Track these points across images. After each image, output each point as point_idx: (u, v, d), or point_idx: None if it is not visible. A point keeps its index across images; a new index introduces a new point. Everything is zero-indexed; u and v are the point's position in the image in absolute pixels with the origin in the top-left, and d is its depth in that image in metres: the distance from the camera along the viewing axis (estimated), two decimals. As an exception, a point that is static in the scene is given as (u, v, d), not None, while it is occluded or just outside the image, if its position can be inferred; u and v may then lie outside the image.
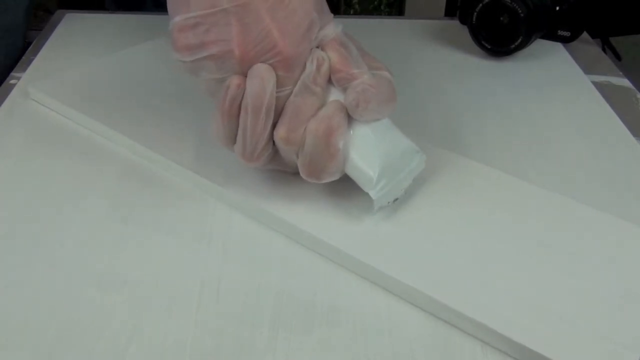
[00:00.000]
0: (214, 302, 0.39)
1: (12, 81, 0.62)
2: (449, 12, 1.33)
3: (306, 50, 0.40)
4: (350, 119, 0.42)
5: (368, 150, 0.42)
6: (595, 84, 0.64)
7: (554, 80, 0.65)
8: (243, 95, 0.40)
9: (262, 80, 0.39)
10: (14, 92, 0.60)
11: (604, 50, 0.94)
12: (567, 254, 0.41)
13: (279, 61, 0.39)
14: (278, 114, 0.41)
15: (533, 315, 0.37)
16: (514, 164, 0.51)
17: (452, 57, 0.70)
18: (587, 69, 0.67)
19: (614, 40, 1.15)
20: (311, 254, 0.42)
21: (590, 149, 0.54)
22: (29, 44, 0.70)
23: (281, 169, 0.45)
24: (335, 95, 0.42)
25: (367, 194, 0.44)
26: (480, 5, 0.66)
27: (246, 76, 0.40)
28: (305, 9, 0.40)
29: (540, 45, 0.70)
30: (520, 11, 0.64)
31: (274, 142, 0.42)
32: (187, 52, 0.40)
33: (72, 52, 0.67)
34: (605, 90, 0.63)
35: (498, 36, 0.66)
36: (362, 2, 1.92)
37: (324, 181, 0.42)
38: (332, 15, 0.42)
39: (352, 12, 1.64)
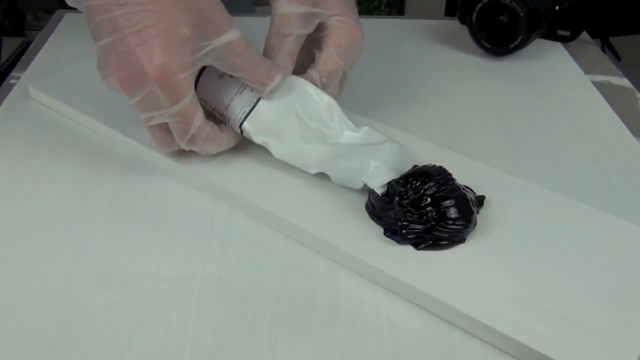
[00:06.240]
0: (214, 302, 0.39)
1: (12, 81, 0.62)
2: (449, 12, 1.33)
3: (187, 64, 0.42)
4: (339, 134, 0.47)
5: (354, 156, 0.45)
6: (595, 84, 0.64)
7: (554, 80, 0.65)
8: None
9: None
10: (14, 92, 0.60)
11: (603, 50, 0.94)
12: (566, 253, 0.41)
13: (154, 88, 0.41)
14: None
15: (533, 314, 0.37)
16: (514, 164, 0.51)
17: (452, 56, 0.70)
18: (587, 69, 0.67)
19: (613, 40, 1.15)
20: (311, 254, 0.42)
21: (590, 148, 0.54)
22: (29, 43, 0.70)
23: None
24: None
25: (365, 193, 0.44)
26: (480, 4, 0.66)
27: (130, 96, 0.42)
28: (169, 27, 0.41)
29: (540, 45, 0.70)
30: (519, 11, 0.64)
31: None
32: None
33: (72, 52, 0.67)
34: (605, 90, 0.63)
35: (498, 36, 0.67)
36: (362, 2, 1.92)
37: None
38: (228, 25, 0.43)
39: (352, 12, 1.64)
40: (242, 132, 0.47)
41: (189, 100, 0.43)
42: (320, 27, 0.49)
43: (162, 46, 0.40)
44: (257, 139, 0.47)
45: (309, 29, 0.48)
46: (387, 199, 0.42)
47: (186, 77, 0.42)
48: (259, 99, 0.47)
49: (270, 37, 0.48)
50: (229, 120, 0.48)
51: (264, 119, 0.47)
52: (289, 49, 0.47)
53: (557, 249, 0.41)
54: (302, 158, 0.46)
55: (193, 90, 0.43)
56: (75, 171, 0.50)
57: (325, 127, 0.47)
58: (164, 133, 0.45)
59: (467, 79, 0.65)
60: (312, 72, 0.48)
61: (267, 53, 0.48)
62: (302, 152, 0.47)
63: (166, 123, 0.44)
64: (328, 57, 0.48)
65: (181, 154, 0.49)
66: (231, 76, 0.47)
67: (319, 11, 0.48)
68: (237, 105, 0.47)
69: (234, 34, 0.43)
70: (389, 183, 0.43)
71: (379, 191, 0.43)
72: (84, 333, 0.37)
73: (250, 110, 0.47)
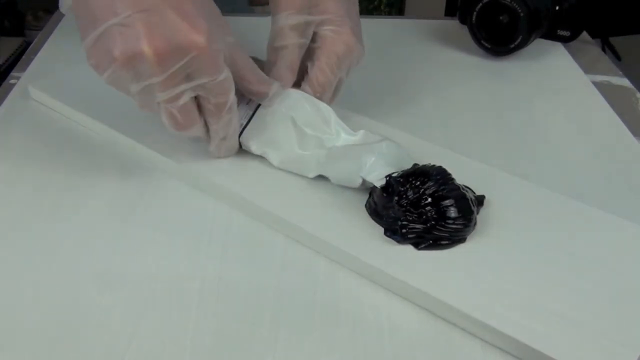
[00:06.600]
0: (214, 302, 0.39)
1: (12, 81, 0.62)
2: (449, 12, 1.33)
3: (220, 50, 0.41)
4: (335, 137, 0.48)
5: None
6: (595, 84, 0.64)
7: (554, 80, 0.65)
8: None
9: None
10: (14, 92, 0.60)
11: (604, 50, 0.94)
12: (566, 253, 0.41)
13: (197, 56, 0.39)
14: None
15: (533, 313, 0.37)
16: (514, 164, 0.51)
17: (452, 57, 0.70)
18: (587, 69, 0.67)
19: (614, 40, 1.15)
20: (311, 254, 0.42)
21: (590, 148, 0.54)
22: (29, 43, 0.70)
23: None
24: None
25: (365, 192, 0.44)
26: (480, 4, 0.66)
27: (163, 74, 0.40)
28: (203, 3, 0.41)
29: (540, 45, 0.70)
30: (520, 10, 0.64)
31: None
32: (100, 68, 0.41)
33: (72, 52, 0.67)
34: (605, 90, 0.63)
35: (498, 36, 0.66)
36: (362, 2, 1.92)
37: None
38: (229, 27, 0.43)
39: (352, 12, 1.64)
40: (240, 145, 0.48)
41: (228, 71, 0.42)
42: (313, 38, 0.49)
43: (203, 16, 0.40)
44: (256, 150, 0.47)
45: (306, 39, 0.48)
46: (387, 196, 0.42)
47: (222, 51, 0.41)
48: (254, 112, 0.47)
49: (268, 52, 0.48)
50: None
51: (261, 131, 0.47)
52: (286, 61, 0.48)
53: (557, 248, 0.41)
54: (300, 164, 0.47)
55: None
56: (75, 171, 0.50)
57: (322, 132, 0.47)
58: (190, 109, 0.43)
59: (467, 79, 0.65)
60: (305, 87, 0.49)
61: (267, 67, 0.48)
62: (300, 159, 0.47)
63: (189, 102, 0.42)
64: (319, 71, 0.49)
65: (181, 154, 0.49)
66: None
67: (311, 19, 0.48)
68: None
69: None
70: (388, 177, 0.43)
71: (378, 184, 0.43)
72: (84, 333, 0.37)
73: (247, 123, 0.47)
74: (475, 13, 0.67)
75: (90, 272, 0.41)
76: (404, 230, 0.41)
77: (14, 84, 0.61)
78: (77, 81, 0.59)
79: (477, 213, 0.43)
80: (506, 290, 0.38)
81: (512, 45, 0.66)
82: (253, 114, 0.47)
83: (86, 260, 0.42)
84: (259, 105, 0.48)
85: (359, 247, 0.41)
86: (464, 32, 0.70)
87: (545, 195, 0.46)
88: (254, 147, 0.47)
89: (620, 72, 0.67)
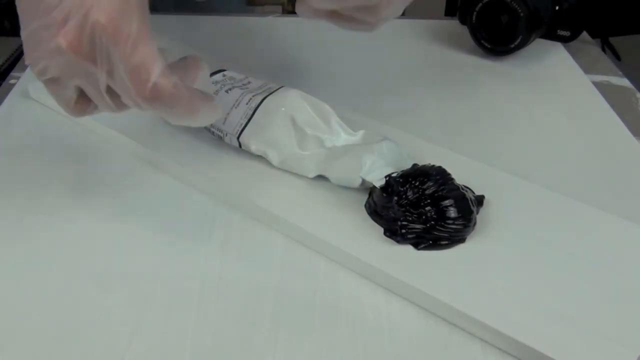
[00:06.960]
0: (214, 302, 0.39)
1: (12, 81, 0.62)
2: (449, 12, 1.33)
3: (137, 12, 0.36)
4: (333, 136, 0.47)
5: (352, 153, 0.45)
6: (595, 84, 0.64)
7: (554, 80, 0.65)
8: None
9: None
10: (14, 92, 0.60)
11: (603, 50, 0.94)
12: (567, 253, 0.41)
13: (106, 34, 0.35)
14: None
15: (533, 313, 0.37)
16: (514, 164, 0.51)
17: (452, 56, 0.70)
18: (587, 69, 0.67)
19: (614, 40, 1.15)
20: (311, 254, 0.42)
21: (590, 149, 0.54)
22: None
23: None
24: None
25: (365, 192, 0.44)
26: (480, 4, 0.66)
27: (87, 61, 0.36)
28: None
29: (540, 45, 0.70)
30: (520, 10, 0.64)
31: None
32: (35, 67, 0.39)
33: (72, 52, 0.67)
34: (605, 90, 0.63)
35: (498, 36, 0.67)
36: (362, 2, 1.91)
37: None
38: None
39: (352, 12, 1.63)
40: (240, 145, 0.48)
41: (146, 44, 0.36)
42: None
43: None
44: (255, 150, 0.47)
45: None
46: (387, 196, 0.42)
47: (139, 20, 0.36)
48: (254, 111, 0.47)
49: None
50: (226, 135, 0.48)
51: (261, 130, 0.47)
52: None
53: (557, 248, 0.41)
54: (300, 164, 0.47)
55: (151, 35, 0.36)
56: (75, 171, 0.50)
57: (322, 132, 0.47)
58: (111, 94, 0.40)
59: (467, 79, 0.65)
60: None
61: None
62: (300, 159, 0.47)
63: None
64: None
65: (181, 154, 0.49)
66: (227, 92, 0.48)
67: None
68: (234, 118, 0.47)
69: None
70: (387, 177, 0.43)
71: (377, 184, 0.43)
72: (84, 333, 0.37)
73: (247, 123, 0.47)
74: (475, 13, 0.67)
75: (90, 272, 0.41)
76: (403, 231, 0.41)
77: (14, 84, 0.61)
78: (77, 81, 0.59)
79: (477, 213, 0.43)
80: (506, 290, 0.38)
81: (512, 45, 0.66)
82: (253, 114, 0.47)
83: (86, 260, 0.42)
84: (259, 105, 0.48)
85: (359, 247, 0.41)
86: (464, 32, 0.70)
87: (545, 195, 0.46)
88: (254, 147, 0.47)
89: (620, 72, 0.67)
